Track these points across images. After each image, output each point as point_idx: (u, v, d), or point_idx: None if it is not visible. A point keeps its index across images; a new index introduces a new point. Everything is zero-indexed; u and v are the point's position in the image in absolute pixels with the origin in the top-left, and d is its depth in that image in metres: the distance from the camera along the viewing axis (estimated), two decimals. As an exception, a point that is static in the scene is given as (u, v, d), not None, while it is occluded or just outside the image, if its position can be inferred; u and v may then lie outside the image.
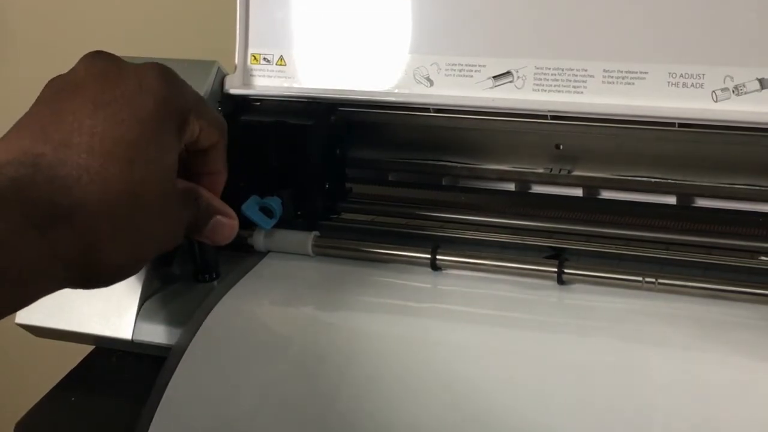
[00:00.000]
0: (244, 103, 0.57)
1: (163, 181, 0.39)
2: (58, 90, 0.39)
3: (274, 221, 0.53)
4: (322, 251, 0.52)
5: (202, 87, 0.54)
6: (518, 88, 0.52)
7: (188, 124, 0.41)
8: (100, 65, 0.39)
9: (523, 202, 0.57)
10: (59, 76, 0.40)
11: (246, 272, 0.51)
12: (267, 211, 0.52)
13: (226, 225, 0.45)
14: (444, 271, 0.50)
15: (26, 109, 0.39)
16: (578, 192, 0.56)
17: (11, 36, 0.99)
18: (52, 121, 0.37)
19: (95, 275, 0.38)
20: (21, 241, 0.34)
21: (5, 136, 0.38)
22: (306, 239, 0.52)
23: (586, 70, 0.50)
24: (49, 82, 0.40)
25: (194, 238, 0.46)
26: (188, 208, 0.44)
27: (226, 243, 0.46)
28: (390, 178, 0.60)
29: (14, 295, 0.35)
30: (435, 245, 0.50)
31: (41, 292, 0.37)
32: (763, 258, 0.49)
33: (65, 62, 0.41)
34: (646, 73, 0.49)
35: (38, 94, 0.39)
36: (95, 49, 0.41)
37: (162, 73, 0.40)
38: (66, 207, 0.36)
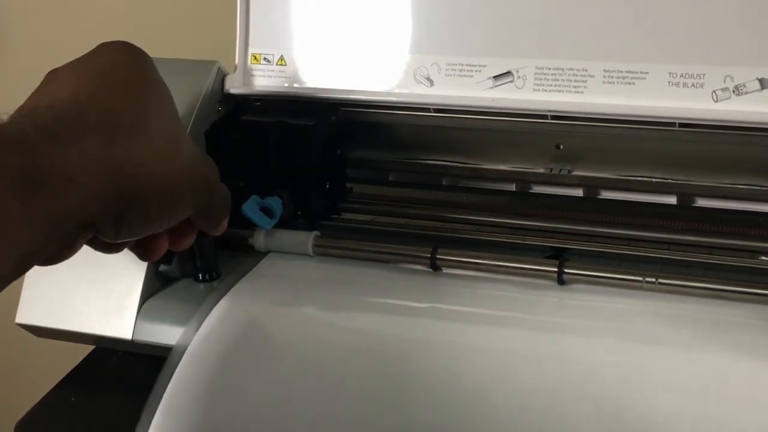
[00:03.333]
0: (245, 103, 0.57)
1: (166, 100, 0.41)
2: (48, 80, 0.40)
3: (274, 221, 0.53)
4: (322, 251, 0.52)
5: (202, 87, 0.54)
6: (519, 88, 0.52)
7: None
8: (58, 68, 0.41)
9: (523, 202, 0.57)
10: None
11: (246, 272, 0.51)
12: (267, 211, 0.52)
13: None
14: (444, 271, 0.50)
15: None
16: (578, 192, 0.56)
17: (11, 35, 0.99)
18: (34, 97, 0.38)
19: (135, 185, 0.37)
20: (45, 151, 0.34)
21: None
22: (306, 239, 0.52)
23: (586, 70, 0.50)
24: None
25: (210, 233, 0.46)
26: (208, 162, 0.44)
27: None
28: (390, 178, 0.60)
29: (53, 204, 0.34)
30: (435, 245, 0.50)
31: (84, 201, 0.35)
32: (764, 258, 0.49)
33: (64, 62, 0.41)
34: (646, 73, 0.49)
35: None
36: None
37: (118, 42, 0.41)
38: (75, 114, 0.36)
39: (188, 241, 0.45)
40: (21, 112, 0.36)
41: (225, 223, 0.46)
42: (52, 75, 0.39)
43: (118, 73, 0.39)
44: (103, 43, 0.41)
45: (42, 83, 0.39)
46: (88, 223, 0.36)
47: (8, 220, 0.32)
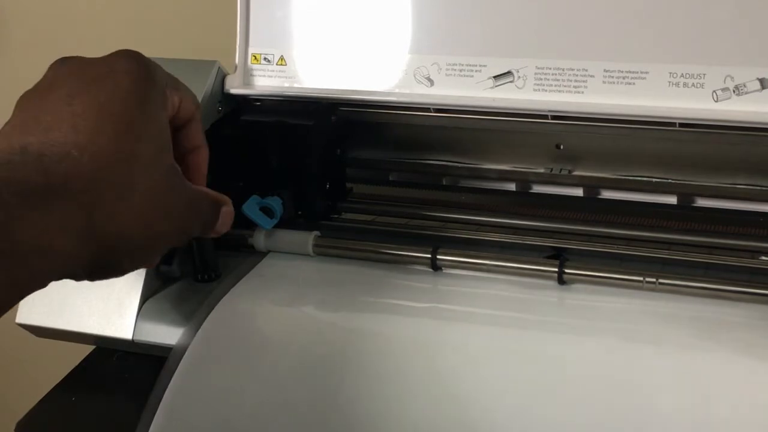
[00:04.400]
0: (245, 103, 0.57)
1: (158, 150, 0.39)
2: (31, 97, 0.39)
3: (274, 221, 0.53)
4: (322, 251, 0.52)
5: (203, 87, 0.54)
6: (519, 88, 0.52)
7: (167, 95, 0.42)
8: (68, 64, 0.40)
9: (523, 202, 0.57)
10: (28, 90, 0.40)
11: (246, 272, 0.51)
12: (267, 211, 0.52)
13: (229, 213, 0.46)
14: (444, 271, 0.50)
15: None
16: (579, 192, 0.56)
17: (10, 35, 0.99)
18: (32, 118, 0.37)
19: (112, 253, 0.38)
20: (22, 220, 0.34)
21: None
22: (306, 239, 0.52)
23: (586, 70, 0.50)
24: (21, 96, 0.40)
25: (204, 236, 0.46)
26: (202, 209, 0.44)
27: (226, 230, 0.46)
28: (390, 178, 0.60)
29: (25, 275, 0.34)
30: (435, 245, 0.50)
31: (55, 270, 0.36)
32: (764, 258, 0.49)
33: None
34: (646, 72, 0.49)
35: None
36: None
37: (130, 55, 0.40)
38: (61, 178, 0.35)
39: (204, 152, 0.46)
40: (8, 148, 0.36)
41: (226, 226, 0.46)
42: (51, 92, 0.38)
43: (119, 114, 0.38)
44: (117, 57, 0.40)
45: (37, 107, 0.38)
46: (59, 278, 0.36)
47: None
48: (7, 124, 0.38)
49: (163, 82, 0.41)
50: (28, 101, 0.39)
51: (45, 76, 0.40)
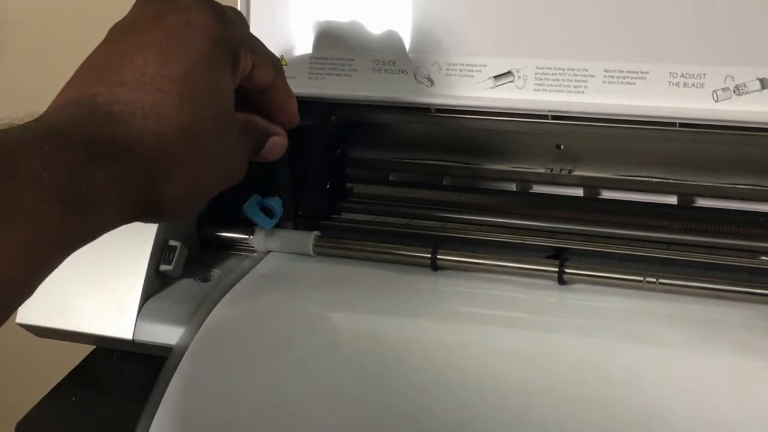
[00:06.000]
0: (245, 103, 0.57)
1: (219, 116, 0.40)
2: (114, 34, 0.40)
3: (274, 221, 0.52)
4: (322, 251, 0.52)
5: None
6: (519, 88, 0.52)
7: (239, 58, 0.42)
8: (153, 5, 0.40)
9: (523, 202, 0.57)
10: (118, 22, 0.41)
11: (246, 272, 0.51)
12: (268, 211, 0.52)
13: (279, 144, 0.47)
14: (444, 271, 0.50)
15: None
16: (579, 192, 0.56)
17: (10, 33, 0.99)
18: (106, 62, 0.38)
19: (158, 208, 0.39)
20: (86, 173, 0.34)
21: (67, 82, 0.39)
22: (307, 239, 0.52)
23: (587, 70, 0.50)
24: (110, 28, 0.41)
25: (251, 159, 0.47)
26: (248, 141, 0.44)
27: (276, 159, 0.47)
28: (390, 178, 0.60)
29: (84, 225, 0.35)
30: (435, 245, 0.50)
31: (110, 223, 0.37)
32: (764, 258, 0.49)
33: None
34: (647, 73, 0.49)
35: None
36: None
37: (211, 8, 0.40)
38: (125, 141, 0.36)
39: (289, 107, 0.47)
40: (79, 98, 0.36)
41: (282, 149, 0.47)
42: (132, 35, 0.39)
43: (187, 77, 0.38)
44: (198, 7, 0.40)
45: (114, 50, 0.39)
46: (105, 232, 0.37)
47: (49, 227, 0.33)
48: (90, 55, 0.39)
49: (238, 42, 0.41)
50: (111, 37, 0.40)
51: (130, 12, 0.41)
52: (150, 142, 0.37)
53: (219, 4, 0.41)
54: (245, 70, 0.43)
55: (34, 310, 0.51)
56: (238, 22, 0.42)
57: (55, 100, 0.38)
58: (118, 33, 0.40)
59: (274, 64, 0.45)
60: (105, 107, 0.36)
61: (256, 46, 0.43)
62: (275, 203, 0.52)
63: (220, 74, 0.40)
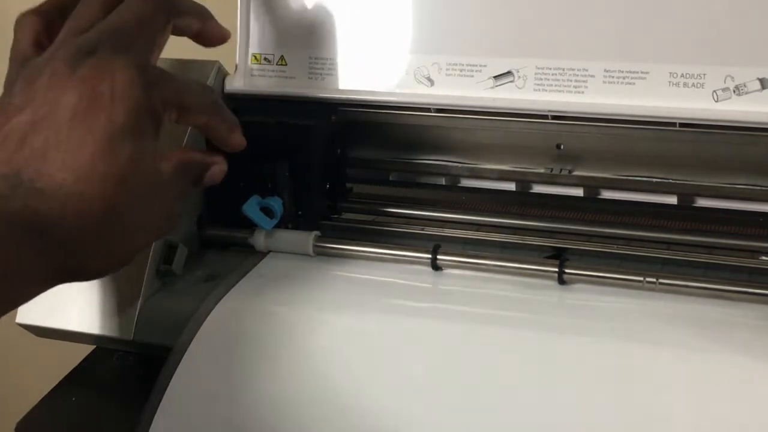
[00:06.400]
0: (245, 103, 0.57)
1: (144, 186, 0.40)
2: (35, 90, 0.39)
3: (274, 221, 0.52)
4: (322, 251, 0.52)
5: (203, 87, 0.54)
6: (519, 88, 0.52)
7: (162, 121, 0.42)
8: (81, 66, 0.39)
9: (523, 202, 0.56)
10: (37, 64, 0.40)
11: (246, 272, 0.51)
12: (268, 211, 0.52)
13: (217, 173, 0.46)
14: (444, 271, 0.50)
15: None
16: (579, 192, 0.56)
17: (10, 33, 0.99)
18: (31, 130, 0.38)
19: (83, 275, 0.41)
20: (9, 246, 0.36)
21: None
22: (307, 239, 0.52)
23: (587, 70, 0.50)
24: (27, 72, 0.39)
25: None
26: (186, 180, 0.44)
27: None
28: (390, 178, 0.60)
29: (8, 295, 0.37)
30: (436, 245, 0.50)
31: (34, 291, 0.38)
32: (764, 258, 0.49)
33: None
34: (647, 73, 0.49)
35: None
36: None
37: (138, 75, 0.39)
38: (47, 218, 0.37)
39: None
40: (5, 170, 0.37)
41: (221, 175, 0.47)
42: (56, 104, 0.38)
43: (110, 154, 0.38)
44: (122, 75, 0.39)
45: (36, 118, 0.38)
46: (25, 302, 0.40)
47: None
48: (11, 123, 0.38)
49: (161, 107, 0.41)
50: (34, 98, 0.38)
51: (54, 67, 0.39)
52: (72, 219, 0.37)
53: (145, 66, 0.40)
54: (170, 121, 0.42)
55: (33, 310, 0.51)
56: (161, 82, 0.41)
57: None
58: (44, 88, 0.38)
59: (206, 108, 0.44)
60: (30, 183, 0.37)
61: (184, 98, 0.43)
62: (275, 203, 0.52)
63: (143, 142, 0.40)
